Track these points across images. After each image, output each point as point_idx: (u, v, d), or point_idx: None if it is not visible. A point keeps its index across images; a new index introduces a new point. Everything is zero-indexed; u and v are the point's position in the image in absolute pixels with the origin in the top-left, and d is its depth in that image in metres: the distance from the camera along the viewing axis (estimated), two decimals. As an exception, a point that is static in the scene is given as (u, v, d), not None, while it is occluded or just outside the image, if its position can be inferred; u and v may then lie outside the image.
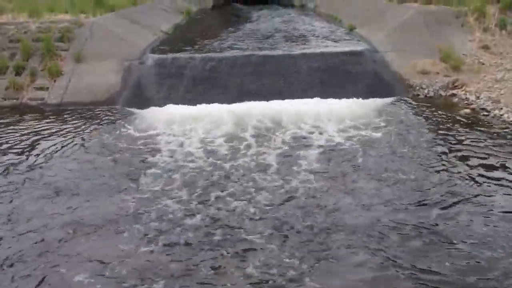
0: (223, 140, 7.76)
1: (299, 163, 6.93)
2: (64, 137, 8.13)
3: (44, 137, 8.13)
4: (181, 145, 7.65)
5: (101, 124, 8.71)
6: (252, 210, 5.73)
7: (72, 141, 7.91)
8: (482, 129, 8.01)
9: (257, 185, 6.33)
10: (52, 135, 8.22)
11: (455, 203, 5.73)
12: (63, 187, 6.38)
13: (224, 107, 9.36)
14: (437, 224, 5.32)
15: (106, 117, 9.09)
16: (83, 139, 8.02)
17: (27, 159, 7.28)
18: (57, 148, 7.65)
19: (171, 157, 7.19)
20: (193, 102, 9.63)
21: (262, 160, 7.06)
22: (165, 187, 6.32)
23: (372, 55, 11.06)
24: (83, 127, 8.59)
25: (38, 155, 7.40)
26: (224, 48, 12.05)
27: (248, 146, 7.54)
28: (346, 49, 11.43)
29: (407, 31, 11.84)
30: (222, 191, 6.18)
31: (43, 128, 8.57)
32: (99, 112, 9.36)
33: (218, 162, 7.01)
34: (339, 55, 10.98)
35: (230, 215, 5.63)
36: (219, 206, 5.84)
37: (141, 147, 7.64)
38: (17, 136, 8.20)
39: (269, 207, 5.79)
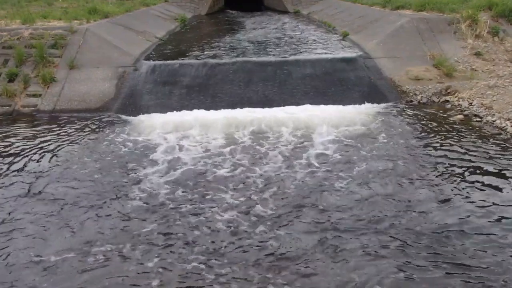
0: (216, 150, 7.67)
1: (294, 171, 6.92)
2: (50, 144, 8.03)
3: (31, 144, 8.05)
4: (172, 155, 7.52)
5: (93, 132, 8.63)
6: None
7: (57, 149, 7.81)
8: (475, 135, 8.02)
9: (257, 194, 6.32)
10: (40, 142, 8.12)
11: (452, 212, 5.73)
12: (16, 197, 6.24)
13: (218, 114, 9.34)
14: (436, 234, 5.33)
15: (99, 125, 9.01)
16: (70, 146, 7.93)
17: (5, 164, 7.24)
18: (37, 156, 7.54)
19: (159, 171, 6.97)
20: (187, 108, 9.60)
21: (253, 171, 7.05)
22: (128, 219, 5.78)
23: (366, 62, 11.10)
24: (74, 134, 8.51)
25: (14, 162, 7.35)
26: (218, 54, 12.05)
27: (240, 158, 7.41)
28: (340, 55, 11.50)
29: (400, 38, 11.91)
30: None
31: (32, 135, 8.50)
32: (92, 119, 9.29)
33: (207, 182, 6.65)
34: (332, 61, 11.02)
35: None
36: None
37: (130, 157, 7.48)
38: (3, 143, 8.13)
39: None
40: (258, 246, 5.14)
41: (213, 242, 5.23)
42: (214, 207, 5.94)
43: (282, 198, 6.13)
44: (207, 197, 6.20)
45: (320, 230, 5.39)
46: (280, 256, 4.95)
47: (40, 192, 6.38)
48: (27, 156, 7.56)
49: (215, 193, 6.30)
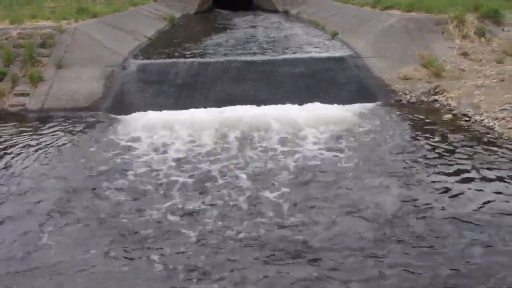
0: (204, 151, 7.63)
1: (278, 173, 6.91)
2: (34, 143, 8.00)
3: (16, 143, 8.02)
4: (158, 156, 7.46)
5: (80, 131, 8.60)
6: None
7: (42, 149, 7.77)
8: (463, 134, 8.09)
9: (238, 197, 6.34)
10: (25, 141, 8.09)
11: (437, 214, 5.79)
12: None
13: (207, 113, 9.32)
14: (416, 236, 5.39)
15: (86, 124, 8.98)
16: (55, 146, 7.90)
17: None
18: (19, 155, 7.51)
19: (141, 175, 6.84)
20: (175, 107, 9.58)
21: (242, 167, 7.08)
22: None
23: (355, 61, 11.17)
24: (60, 133, 8.49)
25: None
26: (207, 54, 12.07)
27: (226, 160, 7.32)
28: (329, 54, 11.57)
29: (390, 37, 12.00)
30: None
31: (18, 134, 8.47)
32: (80, 118, 9.25)
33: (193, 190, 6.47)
34: (322, 60, 11.10)
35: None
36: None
37: (116, 157, 7.42)
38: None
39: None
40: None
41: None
42: (194, 214, 5.92)
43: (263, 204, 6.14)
44: (190, 202, 6.13)
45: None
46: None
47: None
48: (8, 155, 7.52)
49: (197, 196, 6.25)
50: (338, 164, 7.10)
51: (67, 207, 6.01)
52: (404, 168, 6.91)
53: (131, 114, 9.39)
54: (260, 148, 7.70)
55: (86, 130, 8.66)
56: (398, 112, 9.32)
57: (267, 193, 6.25)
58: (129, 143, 7.97)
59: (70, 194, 6.32)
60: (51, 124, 8.96)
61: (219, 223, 5.59)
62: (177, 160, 7.31)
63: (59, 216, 5.84)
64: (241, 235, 5.35)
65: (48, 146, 7.92)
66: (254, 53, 11.96)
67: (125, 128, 8.69)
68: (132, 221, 5.66)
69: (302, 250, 5.09)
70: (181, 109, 9.50)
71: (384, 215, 5.70)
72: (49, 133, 8.52)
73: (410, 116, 9.10)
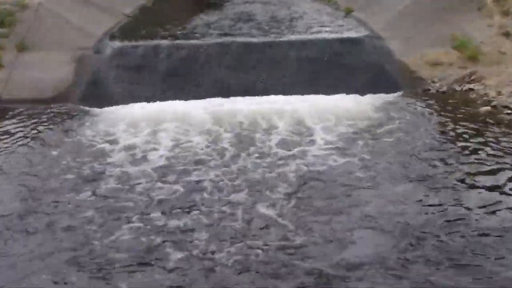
0: (194, 154, 7.40)
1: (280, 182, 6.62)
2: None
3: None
4: (137, 160, 7.26)
5: (45, 126, 8.44)
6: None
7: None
8: (505, 130, 7.81)
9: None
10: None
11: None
12: None
13: (198, 105, 9.15)
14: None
15: (53, 118, 8.81)
16: (12, 147, 7.71)
17: None
18: None
19: (119, 181, 6.66)
20: (160, 99, 9.43)
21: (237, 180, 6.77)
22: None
23: (373, 43, 10.91)
24: (20, 131, 8.30)
25: None
26: (197, 34, 11.84)
27: (221, 166, 7.09)
28: (343, 35, 11.31)
29: (415, 15, 11.74)
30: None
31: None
32: (45, 112, 9.06)
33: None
34: (334, 42, 10.85)
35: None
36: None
37: (86, 161, 7.19)
38: None
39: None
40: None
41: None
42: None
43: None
44: (173, 219, 5.87)
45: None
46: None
47: None
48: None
49: (183, 212, 6.02)
50: (355, 172, 6.82)
51: (19, 223, 5.76)
52: (434, 173, 6.65)
53: (106, 107, 9.24)
54: (259, 151, 7.48)
55: (51, 126, 8.51)
56: (426, 104, 9.08)
57: (265, 207, 6.02)
58: (103, 145, 7.75)
59: (25, 207, 6.07)
60: (8, 118, 8.81)
61: (208, 245, 5.33)
62: (160, 167, 7.06)
63: (8, 233, 5.58)
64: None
65: (3, 147, 7.71)
66: (253, 34, 11.73)
67: (99, 123, 8.59)
68: (101, 241, 5.38)
69: (309, 277, 4.84)
70: (166, 100, 9.36)
71: (412, 231, 5.47)
72: (6, 130, 8.34)
73: (439, 109, 8.85)
